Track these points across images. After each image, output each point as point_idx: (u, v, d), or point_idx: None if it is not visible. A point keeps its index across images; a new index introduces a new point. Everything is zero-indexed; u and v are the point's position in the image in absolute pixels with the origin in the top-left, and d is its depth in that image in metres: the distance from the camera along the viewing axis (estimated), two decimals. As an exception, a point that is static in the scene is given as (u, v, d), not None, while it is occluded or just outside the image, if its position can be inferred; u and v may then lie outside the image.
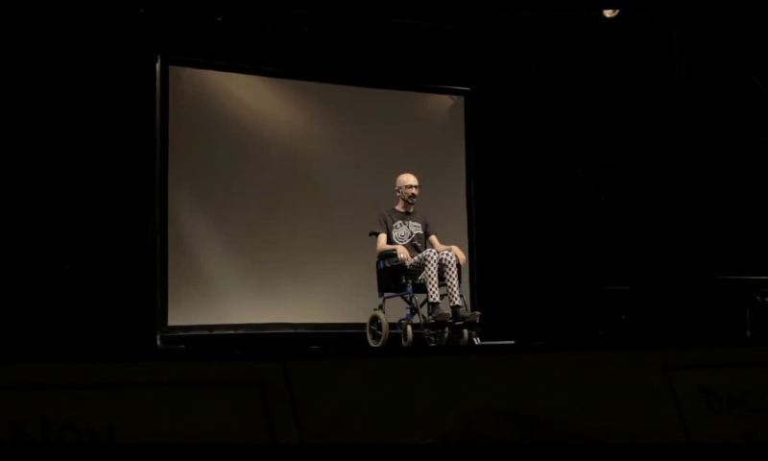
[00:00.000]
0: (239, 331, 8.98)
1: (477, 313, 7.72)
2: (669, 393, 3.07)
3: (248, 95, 9.46)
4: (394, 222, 8.09)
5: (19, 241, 7.86)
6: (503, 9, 9.11)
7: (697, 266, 9.10)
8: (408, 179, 8.18)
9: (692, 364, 3.24)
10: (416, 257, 7.78)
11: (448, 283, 7.63)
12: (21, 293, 7.68)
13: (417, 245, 8.05)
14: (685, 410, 3.07)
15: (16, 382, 2.28)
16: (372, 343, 7.89)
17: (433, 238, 8.19)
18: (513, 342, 7.84)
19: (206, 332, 8.87)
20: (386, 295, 8.00)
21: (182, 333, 8.75)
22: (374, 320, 7.96)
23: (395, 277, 7.89)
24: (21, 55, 8.02)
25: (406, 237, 8.07)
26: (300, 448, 2.48)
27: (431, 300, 7.61)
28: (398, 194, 8.18)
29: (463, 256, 7.94)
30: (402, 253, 7.77)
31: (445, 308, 7.60)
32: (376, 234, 8.07)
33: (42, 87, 8.06)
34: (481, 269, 10.09)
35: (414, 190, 8.13)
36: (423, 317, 7.69)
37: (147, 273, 8.65)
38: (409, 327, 7.68)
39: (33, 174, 7.97)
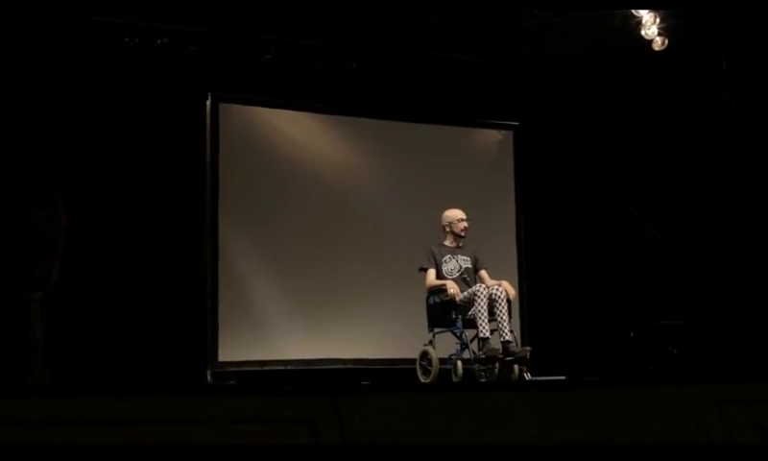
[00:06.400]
0: (289, 367, 8.99)
1: (527, 349, 7.67)
2: (723, 429, 3.02)
3: (297, 131, 9.52)
4: (443, 256, 8.07)
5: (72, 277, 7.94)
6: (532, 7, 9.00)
7: (750, 298, 8.97)
8: (458, 213, 8.17)
9: (747, 399, 3.19)
10: (465, 292, 7.74)
11: (498, 318, 7.59)
12: (74, 330, 7.75)
13: (466, 279, 8.01)
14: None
15: (68, 418, 2.30)
16: (422, 379, 7.86)
17: (483, 273, 8.15)
18: (563, 377, 7.78)
19: (257, 368, 8.88)
20: (436, 330, 7.97)
21: (233, 369, 8.78)
22: (424, 355, 7.93)
23: (444, 312, 7.86)
24: (73, 94, 8.14)
25: (455, 272, 8.04)
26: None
27: (481, 335, 7.56)
28: (448, 229, 8.16)
29: (513, 291, 7.90)
30: (452, 288, 7.74)
31: (496, 344, 7.55)
32: (425, 270, 8.05)
33: (95, 126, 8.18)
34: (531, 304, 10.02)
35: (466, 223, 8.12)
36: (474, 352, 7.65)
37: (198, 309, 8.70)
38: (459, 363, 7.64)
39: (85, 210, 8.04)
